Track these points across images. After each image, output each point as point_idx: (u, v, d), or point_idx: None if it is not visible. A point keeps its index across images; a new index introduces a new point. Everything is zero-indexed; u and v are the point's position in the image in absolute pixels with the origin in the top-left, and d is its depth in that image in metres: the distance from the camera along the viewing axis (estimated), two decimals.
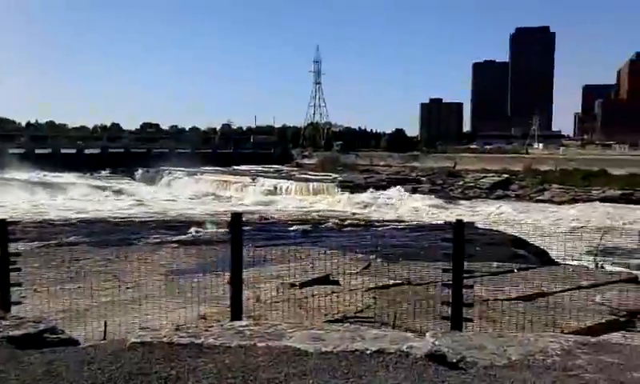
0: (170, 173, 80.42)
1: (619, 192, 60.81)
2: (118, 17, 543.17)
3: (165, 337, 4.16)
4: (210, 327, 4.65)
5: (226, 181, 70.84)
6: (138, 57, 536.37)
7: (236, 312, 7.16)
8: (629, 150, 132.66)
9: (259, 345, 3.96)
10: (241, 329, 4.50)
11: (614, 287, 10.23)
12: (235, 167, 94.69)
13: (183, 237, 32.32)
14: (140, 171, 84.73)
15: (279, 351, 3.82)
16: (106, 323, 7.55)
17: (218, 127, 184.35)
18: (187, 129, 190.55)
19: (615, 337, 7.58)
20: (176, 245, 20.96)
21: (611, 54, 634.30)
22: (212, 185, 68.81)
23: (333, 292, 9.81)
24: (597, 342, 4.33)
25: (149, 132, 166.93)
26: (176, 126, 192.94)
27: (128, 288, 10.40)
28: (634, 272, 13.80)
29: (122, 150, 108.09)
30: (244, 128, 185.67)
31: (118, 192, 63.66)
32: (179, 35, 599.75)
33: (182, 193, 64.23)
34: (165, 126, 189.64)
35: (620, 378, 3.49)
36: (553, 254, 19.28)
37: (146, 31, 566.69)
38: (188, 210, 49.86)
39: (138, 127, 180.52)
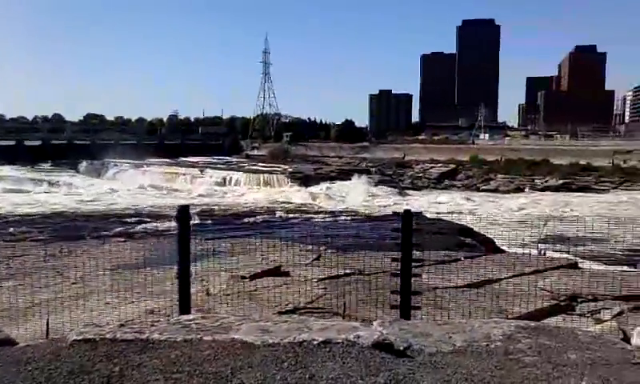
0: (115, 165, 78.52)
1: (561, 181, 63.09)
2: (56, 3, 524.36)
3: (108, 333, 4.04)
4: (156, 322, 4.55)
5: (174, 172, 69.79)
6: (82, 45, 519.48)
7: (184, 306, 7.05)
8: (569, 139, 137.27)
9: (205, 338, 3.89)
10: (187, 323, 4.42)
11: (556, 273, 10.54)
12: (183, 159, 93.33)
13: (131, 230, 31.78)
14: (84, 163, 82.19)
15: (226, 344, 3.77)
16: (48, 321, 7.30)
17: (165, 118, 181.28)
18: (133, 120, 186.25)
19: (555, 320, 7.85)
20: (124, 238, 20.50)
21: (553, 47, 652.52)
22: (160, 177, 67.59)
23: (284, 283, 9.78)
24: (537, 327, 4.45)
25: (92, 123, 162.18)
26: (121, 117, 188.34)
27: (73, 284, 10.10)
28: (574, 258, 14.32)
29: (65, 142, 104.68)
30: (192, 119, 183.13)
31: (61, 185, 61.69)
32: (122, 23, 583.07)
33: (129, 185, 62.79)
34: (109, 117, 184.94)
35: (557, 360, 3.62)
36: (499, 241, 19.85)
37: (87, 17, 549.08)
38: (135, 203, 48.92)
39: (82, 118, 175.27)
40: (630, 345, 4.24)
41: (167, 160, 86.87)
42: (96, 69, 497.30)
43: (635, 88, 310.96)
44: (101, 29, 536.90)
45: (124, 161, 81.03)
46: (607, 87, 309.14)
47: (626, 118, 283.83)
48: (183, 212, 7.06)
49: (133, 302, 8.85)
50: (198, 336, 3.97)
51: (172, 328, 4.25)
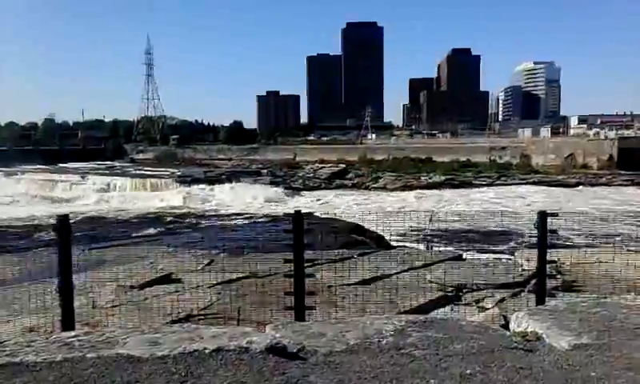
0: None
1: (444, 178, 66.38)
2: None
3: None
4: (32, 342, 4.21)
5: (52, 180, 65.71)
6: None
7: (67, 321, 6.66)
8: (450, 137, 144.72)
9: (89, 356, 3.65)
10: (69, 340, 4.13)
11: (442, 266, 11.03)
12: (62, 165, 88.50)
13: (4, 243, 29.56)
14: None
15: (111, 360, 3.55)
16: None
17: (40, 122, 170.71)
18: (2, 124, 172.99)
19: (444, 311, 8.21)
20: None
21: (432, 49, 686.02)
22: (36, 185, 63.40)
23: (176, 291, 9.52)
24: (426, 320, 4.61)
25: None
26: None
27: None
28: (459, 251, 15.08)
29: None
30: (70, 123, 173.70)
31: None
32: None
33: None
34: None
35: (444, 351, 3.77)
36: (389, 237, 20.46)
37: None
38: (7, 214, 45.52)
39: None
40: (509, 330, 4.49)
41: (44, 167, 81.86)
42: None
43: (506, 89, 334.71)
44: None
45: None
46: (482, 88, 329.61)
47: (500, 117, 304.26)
48: (62, 221, 6.68)
49: (9, 320, 8.21)
50: (81, 354, 3.71)
51: (51, 347, 3.95)
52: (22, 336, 6.76)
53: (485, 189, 61.29)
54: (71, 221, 6.90)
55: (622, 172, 64.76)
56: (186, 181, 62.16)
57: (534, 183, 63.37)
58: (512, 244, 24.48)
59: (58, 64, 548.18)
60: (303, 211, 7.28)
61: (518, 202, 48.42)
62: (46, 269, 10.75)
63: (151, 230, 35.84)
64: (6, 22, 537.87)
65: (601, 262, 9.89)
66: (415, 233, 20.73)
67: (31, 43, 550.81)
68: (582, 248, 13.97)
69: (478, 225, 29.38)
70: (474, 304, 8.68)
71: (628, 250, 12.39)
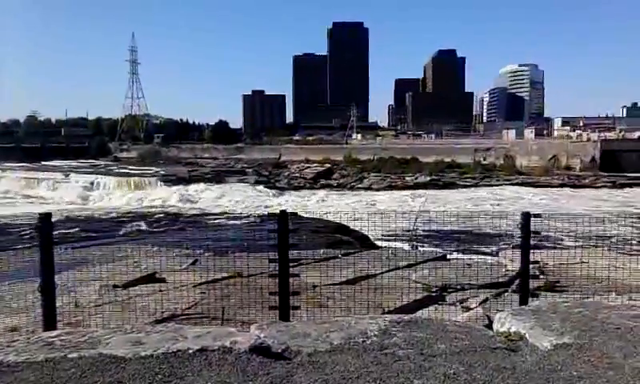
0: None
1: (429, 178, 66.67)
2: None
3: None
4: (13, 342, 4.16)
5: (34, 178, 65.06)
6: None
7: (49, 321, 6.59)
8: (435, 138, 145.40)
9: (70, 356, 3.61)
10: (50, 340, 4.09)
11: (427, 266, 11.07)
12: (45, 163, 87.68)
13: None
14: None
15: (93, 360, 3.51)
16: None
17: (22, 119, 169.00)
18: None
19: (428, 311, 8.24)
20: None
21: (418, 50, 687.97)
22: (18, 183, 62.76)
23: (160, 290, 9.45)
24: (410, 320, 4.62)
25: None
26: None
27: None
28: (445, 251, 15.15)
29: None
30: (53, 120, 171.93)
31: None
32: None
33: None
34: None
35: (428, 351, 3.79)
36: (374, 237, 20.47)
37: None
38: None
39: None
40: (492, 330, 4.52)
41: (27, 165, 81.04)
42: None
43: (490, 90, 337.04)
44: None
45: None
46: (467, 89, 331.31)
47: (484, 118, 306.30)
48: (45, 220, 6.61)
49: None
50: (62, 354, 3.67)
51: (32, 347, 3.91)
52: (3, 336, 6.68)
53: (473, 189, 61.61)
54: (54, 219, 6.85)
55: (605, 174, 65.54)
56: (170, 180, 61.87)
57: (517, 184, 63.81)
58: (501, 245, 24.57)
59: (41, 61, 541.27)
60: (288, 211, 7.26)
61: (518, 204, 48.31)
62: (28, 268, 10.64)
63: (135, 229, 35.59)
64: None
65: (584, 262, 9.98)
66: (401, 233, 20.75)
67: (16, 40, 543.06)
68: (567, 249, 14.09)
69: (468, 225, 29.47)
70: (457, 304, 8.72)
71: (610, 250, 12.53)
